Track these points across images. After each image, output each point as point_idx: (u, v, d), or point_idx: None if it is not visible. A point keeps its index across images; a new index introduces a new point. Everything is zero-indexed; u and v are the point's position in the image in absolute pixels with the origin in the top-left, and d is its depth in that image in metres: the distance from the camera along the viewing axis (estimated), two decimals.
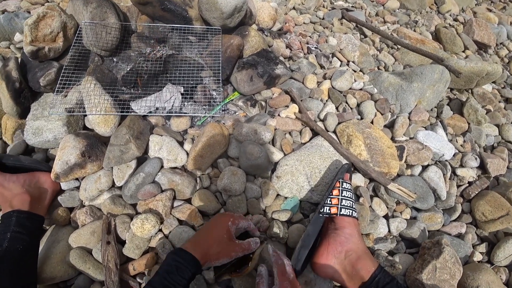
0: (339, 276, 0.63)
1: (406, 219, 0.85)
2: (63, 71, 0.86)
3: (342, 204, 0.68)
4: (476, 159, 1.01)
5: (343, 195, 0.70)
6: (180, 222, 0.74)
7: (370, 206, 0.83)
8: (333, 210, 0.68)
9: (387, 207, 0.85)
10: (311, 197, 0.80)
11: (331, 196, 0.70)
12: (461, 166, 1.00)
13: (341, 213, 0.67)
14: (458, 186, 0.96)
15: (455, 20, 1.73)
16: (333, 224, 0.67)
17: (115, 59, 0.97)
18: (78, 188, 0.78)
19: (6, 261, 0.60)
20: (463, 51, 1.51)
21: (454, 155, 1.00)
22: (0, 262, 0.59)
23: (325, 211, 0.68)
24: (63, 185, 0.78)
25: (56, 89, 0.84)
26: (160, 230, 0.72)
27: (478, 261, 0.83)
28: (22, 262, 0.62)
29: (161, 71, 0.90)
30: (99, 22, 0.90)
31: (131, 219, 0.72)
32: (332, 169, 0.82)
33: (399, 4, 1.76)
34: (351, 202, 0.69)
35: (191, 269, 0.54)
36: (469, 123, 1.13)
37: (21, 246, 0.63)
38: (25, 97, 0.86)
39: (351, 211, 0.67)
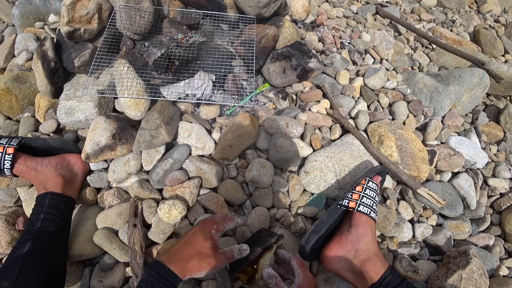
0: (346, 273, 0.63)
1: (432, 226, 0.83)
2: (97, 52, 0.87)
3: (362, 201, 0.67)
4: (510, 169, 0.96)
5: (365, 192, 0.68)
6: (206, 210, 0.74)
7: (396, 209, 0.81)
8: (351, 204, 0.66)
9: (414, 212, 0.83)
10: (338, 195, 0.78)
11: (353, 191, 0.69)
12: (494, 176, 0.96)
13: (358, 209, 0.65)
14: (489, 196, 0.93)
15: (496, 21, 1.65)
16: (349, 221, 0.67)
17: (146, 44, 0.97)
18: (106, 169, 0.80)
19: (38, 242, 0.61)
20: (503, 55, 1.43)
21: (486, 164, 0.96)
22: (33, 242, 0.61)
23: (343, 203, 0.67)
24: (92, 166, 0.79)
25: (89, 70, 0.85)
26: (186, 216, 0.72)
27: (504, 276, 0.80)
28: (53, 243, 0.64)
29: (193, 57, 0.89)
30: (134, 6, 0.90)
31: (157, 204, 0.73)
32: (362, 168, 0.80)
33: (436, 2, 1.68)
34: (372, 202, 0.67)
35: (167, 285, 0.49)
36: (505, 132, 1.08)
37: (53, 227, 0.64)
38: (59, 77, 0.87)
39: (369, 210, 0.66)
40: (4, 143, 0.69)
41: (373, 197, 0.68)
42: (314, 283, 0.58)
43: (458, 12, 1.66)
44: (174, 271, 0.51)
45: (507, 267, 0.82)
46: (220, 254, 0.56)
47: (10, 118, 0.92)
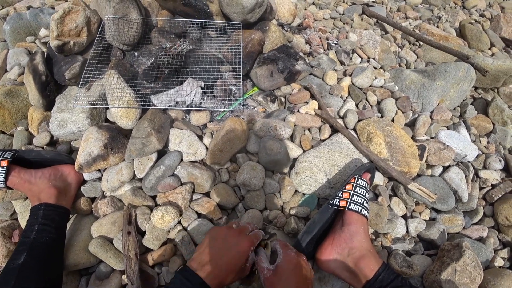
0: (341, 272, 0.63)
1: (425, 220, 0.84)
2: (87, 64, 0.88)
3: (352, 199, 0.67)
4: (500, 161, 0.97)
5: (355, 190, 0.69)
6: (199, 215, 0.75)
7: (389, 206, 0.82)
8: (342, 203, 0.67)
9: (406, 207, 0.84)
10: (330, 194, 0.79)
11: (343, 190, 0.70)
12: (485, 168, 0.97)
13: (350, 207, 0.66)
14: (481, 188, 0.94)
15: (481, 15, 1.67)
16: (341, 220, 0.67)
17: (136, 54, 0.98)
18: (100, 179, 0.81)
19: (33, 253, 0.62)
20: (489, 49, 1.45)
21: (477, 157, 0.97)
22: (28, 253, 0.61)
23: (334, 202, 0.68)
24: (86, 176, 0.80)
25: (80, 83, 0.86)
26: (179, 222, 0.73)
27: (500, 267, 0.81)
28: (48, 254, 0.64)
29: (181, 65, 0.91)
30: (122, 17, 0.91)
31: (151, 211, 0.73)
32: (352, 166, 0.81)
33: None
34: (362, 199, 0.68)
35: None
36: (494, 124, 1.09)
37: (48, 238, 0.65)
38: (50, 90, 0.88)
39: (360, 208, 0.66)
40: None
41: (363, 194, 0.69)
42: (296, 262, 0.57)
43: (444, 9, 1.68)
44: (210, 286, 0.52)
45: (502, 257, 0.82)
46: (248, 266, 0.59)
47: (3, 132, 0.94)
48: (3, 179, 0.70)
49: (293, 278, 0.55)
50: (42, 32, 1.11)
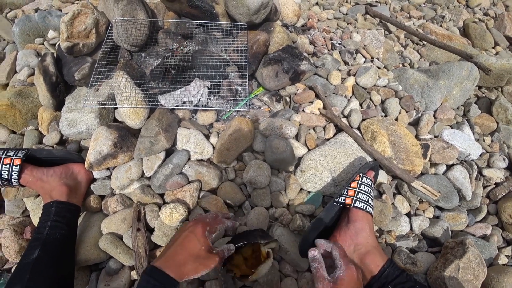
0: None
1: (429, 218, 0.84)
2: (96, 65, 0.90)
3: (357, 196, 0.68)
4: (504, 159, 0.98)
5: (360, 188, 0.70)
6: (206, 212, 0.76)
7: (393, 204, 0.83)
8: (348, 201, 0.68)
9: (410, 205, 0.85)
10: (334, 192, 0.80)
11: (348, 188, 0.71)
12: (488, 166, 0.97)
13: (355, 205, 0.67)
14: (485, 186, 0.94)
15: (485, 14, 1.67)
16: (346, 217, 0.68)
17: (143, 55, 1.00)
18: (109, 177, 0.82)
19: (47, 248, 0.64)
20: (493, 48, 1.45)
21: (481, 155, 0.98)
22: (41, 248, 0.63)
23: (340, 200, 0.69)
24: (96, 174, 0.82)
25: (89, 83, 0.88)
26: (187, 219, 0.75)
27: (503, 264, 0.82)
28: (61, 249, 0.66)
29: (188, 66, 0.92)
30: (129, 19, 0.93)
31: (159, 208, 0.75)
32: (356, 165, 0.82)
33: None
34: (367, 197, 0.69)
35: None
36: (497, 123, 1.10)
37: (60, 234, 0.67)
38: (60, 90, 0.90)
39: (365, 205, 0.67)
40: (12, 155, 0.72)
41: (368, 192, 0.70)
42: (357, 278, 0.54)
43: (447, 8, 1.68)
44: (171, 276, 0.51)
45: (505, 255, 0.83)
46: (214, 254, 0.57)
47: (14, 132, 0.96)
48: (16, 177, 0.71)
49: None
50: (51, 34, 1.13)
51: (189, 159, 0.82)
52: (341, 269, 0.54)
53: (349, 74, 1.04)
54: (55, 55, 0.96)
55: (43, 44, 1.13)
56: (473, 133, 1.03)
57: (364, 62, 1.13)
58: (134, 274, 0.71)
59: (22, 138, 0.93)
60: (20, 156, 0.73)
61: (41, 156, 0.79)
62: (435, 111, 1.03)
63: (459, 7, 1.70)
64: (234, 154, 0.80)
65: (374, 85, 1.02)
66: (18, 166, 0.72)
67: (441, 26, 1.52)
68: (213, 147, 0.84)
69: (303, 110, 0.92)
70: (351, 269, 0.54)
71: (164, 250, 0.58)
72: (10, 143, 0.91)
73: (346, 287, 0.51)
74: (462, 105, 1.12)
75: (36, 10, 1.33)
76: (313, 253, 0.57)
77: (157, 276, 0.51)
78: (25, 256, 0.63)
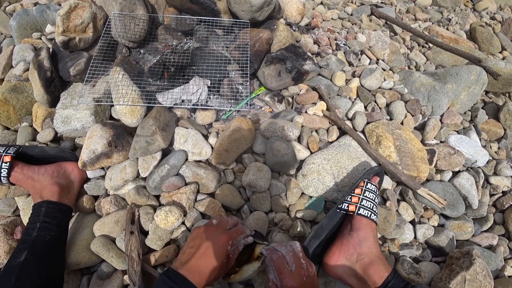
0: (348, 278, 0.61)
1: (433, 226, 0.82)
2: (92, 61, 0.87)
3: (361, 203, 0.66)
4: (511, 167, 0.95)
5: (365, 195, 0.67)
6: (203, 215, 0.73)
7: (397, 211, 0.81)
8: (351, 208, 0.65)
9: (414, 213, 0.82)
10: (337, 197, 0.78)
11: (352, 194, 0.68)
12: (495, 174, 0.95)
13: (359, 212, 0.64)
14: (491, 195, 0.92)
15: (492, 18, 1.64)
16: (350, 225, 0.66)
17: (142, 51, 0.97)
18: (103, 177, 0.80)
19: (35, 251, 0.61)
20: (500, 52, 1.43)
21: (487, 162, 0.95)
22: (29, 251, 0.61)
23: (343, 207, 0.66)
24: (89, 174, 0.79)
25: (85, 79, 0.85)
26: (183, 223, 0.72)
27: (510, 276, 0.79)
28: (50, 252, 0.63)
29: (188, 63, 0.90)
30: (128, 14, 0.90)
31: (155, 210, 0.72)
32: (360, 170, 0.79)
33: (431, 1, 1.68)
34: (372, 204, 0.66)
35: None
36: (505, 129, 1.07)
37: (49, 236, 0.64)
38: (55, 86, 0.87)
39: (369, 212, 0.65)
40: (1, 151, 0.70)
41: (373, 199, 0.68)
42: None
43: (454, 11, 1.66)
44: (194, 284, 0.51)
45: None
46: (231, 259, 0.57)
47: (8, 128, 0.93)
48: (6, 175, 0.69)
49: None
50: (48, 28, 1.10)
51: (186, 160, 0.79)
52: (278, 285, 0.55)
53: (353, 75, 1.01)
54: (51, 49, 0.93)
55: (41, 39, 1.10)
56: (480, 139, 1.00)
57: (369, 64, 1.11)
58: (126, 279, 0.68)
59: (16, 134, 0.90)
60: (10, 153, 0.70)
61: (33, 154, 0.76)
62: (441, 116, 1.01)
63: (465, 10, 1.68)
64: (234, 155, 0.77)
65: (379, 87, 0.99)
66: (8, 163, 0.69)
67: (447, 29, 1.50)
68: (212, 148, 0.81)
69: (305, 112, 0.89)
70: (285, 284, 0.53)
71: (185, 256, 0.56)
72: (3, 140, 0.89)
73: None
74: (469, 110, 1.10)
75: (35, 4, 1.30)
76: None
77: (181, 283, 0.51)
78: (12, 258, 0.60)
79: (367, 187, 0.69)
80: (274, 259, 0.57)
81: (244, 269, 0.60)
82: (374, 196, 0.68)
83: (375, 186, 0.70)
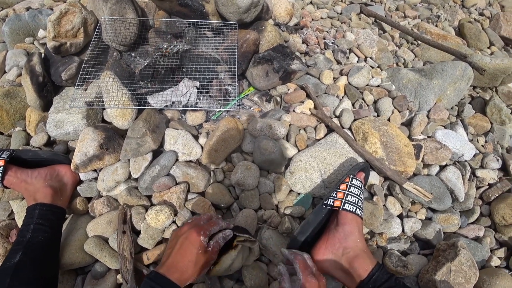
0: (335, 272, 0.63)
1: (421, 220, 0.83)
2: (83, 65, 0.89)
3: (346, 199, 0.67)
4: (497, 160, 0.97)
5: (350, 190, 0.69)
6: (194, 214, 0.75)
7: (384, 205, 0.82)
8: (337, 203, 0.67)
9: (402, 207, 0.84)
10: (324, 193, 0.79)
11: (337, 190, 0.69)
12: (482, 167, 0.96)
13: (344, 207, 0.66)
14: (478, 188, 0.93)
15: (481, 14, 1.66)
16: (335, 220, 0.67)
17: (133, 54, 0.99)
18: (96, 179, 0.81)
19: (29, 252, 0.62)
20: (488, 47, 1.44)
21: (474, 156, 0.97)
22: (23, 252, 0.62)
23: (328, 203, 0.68)
24: (82, 176, 0.81)
25: (76, 83, 0.86)
26: (174, 221, 0.73)
27: (496, 266, 0.81)
28: (44, 253, 0.65)
29: (177, 66, 0.91)
30: (118, 18, 0.92)
31: (146, 210, 0.74)
32: (347, 166, 0.81)
33: None
34: (357, 199, 0.68)
35: None
36: (492, 123, 1.09)
37: (43, 237, 0.65)
38: (47, 90, 0.89)
39: (354, 207, 0.66)
40: None
41: (358, 194, 0.69)
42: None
43: (443, 7, 1.67)
44: (175, 282, 0.53)
45: (498, 257, 0.82)
46: (210, 252, 0.59)
47: (1, 133, 0.94)
48: (0, 179, 0.70)
49: None
50: (41, 33, 1.12)
51: (177, 160, 0.80)
52: (299, 282, 0.56)
53: (341, 73, 1.03)
54: (43, 54, 0.95)
55: (33, 44, 1.12)
56: (467, 134, 1.02)
57: (357, 62, 1.12)
58: (120, 278, 0.70)
59: (10, 139, 0.91)
60: (4, 157, 0.72)
61: (27, 158, 0.78)
62: (428, 111, 1.02)
63: (454, 7, 1.69)
64: (223, 155, 0.79)
65: (366, 85, 1.01)
66: (2, 167, 0.71)
67: (436, 26, 1.51)
68: (202, 148, 0.82)
69: (293, 110, 0.91)
70: (309, 282, 0.55)
71: (164, 257, 0.59)
72: None
73: None
74: (456, 105, 1.11)
75: (28, 9, 1.32)
76: (279, 268, 0.60)
77: (162, 282, 0.53)
78: (7, 260, 0.62)
79: (352, 182, 0.70)
80: (299, 258, 0.60)
81: (223, 259, 0.61)
82: (360, 191, 0.70)
83: (361, 181, 0.72)
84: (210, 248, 0.59)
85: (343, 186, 0.70)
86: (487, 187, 0.93)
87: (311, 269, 0.58)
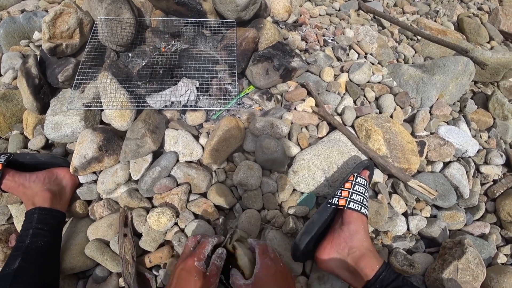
0: (340, 271, 0.62)
1: (426, 217, 0.82)
2: (80, 66, 0.87)
3: (352, 197, 0.66)
4: (501, 156, 0.96)
5: (354, 189, 0.68)
6: (196, 215, 0.74)
7: (389, 203, 0.81)
8: (341, 202, 0.66)
9: (407, 205, 0.83)
10: (328, 192, 0.78)
11: (342, 188, 0.68)
12: (486, 163, 0.95)
13: (349, 206, 0.65)
14: (482, 184, 0.92)
15: (480, 9, 1.65)
16: (340, 219, 0.66)
17: (130, 54, 0.97)
18: (95, 181, 0.80)
19: (28, 257, 0.61)
20: (488, 42, 1.43)
21: (478, 152, 0.96)
22: (22, 258, 0.61)
23: (333, 201, 0.67)
24: (81, 179, 0.79)
25: (73, 85, 0.85)
26: (176, 223, 0.72)
27: (503, 263, 0.80)
28: (44, 258, 0.63)
29: (176, 65, 0.90)
30: (114, 18, 0.90)
31: (147, 212, 0.73)
32: (350, 164, 0.80)
33: None
34: (362, 198, 0.67)
35: None
36: (494, 118, 1.08)
37: (42, 242, 0.64)
38: (44, 93, 0.87)
39: (360, 206, 0.65)
40: None
41: (363, 192, 0.68)
42: (275, 271, 0.55)
43: (441, 2, 1.66)
44: None
45: (504, 254, 0.81)
46: (209, 276, 0.55)
47: None
48: None
49: (273, 287, 0.54)
50: (36, 35, 1.10)
51: (177, 161, 0.79)
52: (257, 266, 0.56)
53: (342, 70, 1.02)
54: (38, 56, 0.93)
55: (29, 46, 1.10)
56: (470, 129, 1.01)
57: (357, 58, 1.11)
58: (122, 282, 0.69)
59: (7, 143, 0.90)
60: (1, 161, 0.70)
61: (25, 161, 0.76)
62: (430, 107, 1.01)
63: (453, 1, 1.68)
64: (224, 155, 0.78)
65: (368, 82, 1.00)
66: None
67: (435, 21, 1.50)
68: (203, 148, 0.81)
69: (295, 108, 0.89)
70: (265, 264, 0.56)
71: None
72: None
73: (264, 282, 0.54)
74: (458, 101, 1.10)
75: (22, 11, 1.30)
76: (232, 272, 0.58)
77: None
78: (6, 266, 0.60)
79: (357, 181, 0.69)
80: (261, 244, 0.60)
81: (240, 263, 0.59)
82: (364, 189, 0.69)
83: (365, 179, 0.71)
84: (208, 273, 0.56)
85: (347, 185, 0.69)
86: (492, 183, 0.92)
87: (269, 254, 0.57)
